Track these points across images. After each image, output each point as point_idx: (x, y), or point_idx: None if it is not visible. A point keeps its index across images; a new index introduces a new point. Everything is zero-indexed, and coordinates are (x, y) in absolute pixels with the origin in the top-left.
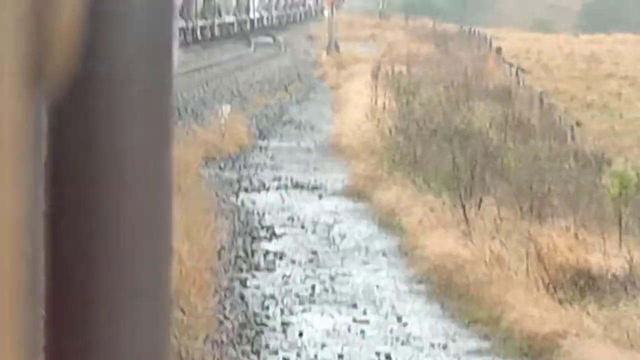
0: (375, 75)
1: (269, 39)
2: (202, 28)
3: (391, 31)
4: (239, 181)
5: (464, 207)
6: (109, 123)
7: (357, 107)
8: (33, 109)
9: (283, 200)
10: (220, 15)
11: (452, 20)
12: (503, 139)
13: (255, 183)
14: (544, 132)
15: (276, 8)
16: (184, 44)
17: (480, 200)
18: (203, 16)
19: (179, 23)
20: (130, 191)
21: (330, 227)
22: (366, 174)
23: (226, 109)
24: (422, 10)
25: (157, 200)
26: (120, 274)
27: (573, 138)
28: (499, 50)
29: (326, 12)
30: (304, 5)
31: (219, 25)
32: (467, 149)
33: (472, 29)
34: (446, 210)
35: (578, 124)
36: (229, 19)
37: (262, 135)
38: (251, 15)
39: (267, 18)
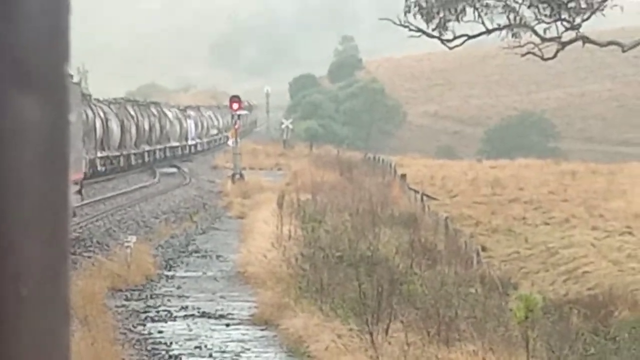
0: (280, 204)
1: (174, 169)
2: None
3: (296, 160)
4: (145, 311)
5: (371, 333)
6: (4, 237)
7: (263, 235)
8: None
9: (190, 330)
10: (169, 140)
11: (356, 148)
12: (409, 265)
13: (162, 313)
14: (450, 257)
15: (206, 136)
16: (91, 175)
17: (388, 326)
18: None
19: (99, 153)
20: (27, 307)
21: (238, 355)
22: (273, 302)
23: (132, 239)
24: (326, 138)
25: (55, 318)
26: None
27: (479, 263)
28: (403, 177)
29: (230, 142)
30: (208, 135)
31: (164, 150)
32: (373, 276)
33: (377, 156)
34: (354, 337)
35: (484, 248)
36: (175, 143)
37: (168, 265)
38: (189, 142)
39: (200, 144)
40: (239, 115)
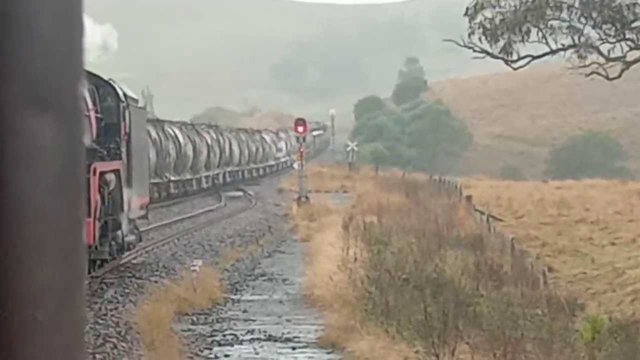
0: (346, 226)
1: (239, 193)
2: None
3: (361, 182)
4: (212, 335)
5: (437, 355)
6: (19, 262)
7: (328, 258)
8: None
9: (257, 353)
10: (267, 160)
11: (422, 170)
12: (475, 286)
13: (229, 336)
14: (516, 278)
15: (292, 154)
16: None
17: (454, 348)
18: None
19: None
20: (43, 332)
21: None
22: (339, 325)
23: (198, 263)
24: (392, 160)
25: (70, 343)
26: None
27: (545, 283)
28: (469, 198)
29: (296, 165)
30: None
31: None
32: (439, 298)
33: (442, 178)
34: (420, 359)
35: (550, 269)
36: (272, 162)
37: (234, 289)
38: (282, 160)
39: (290, 160)
40: (304, 138)
